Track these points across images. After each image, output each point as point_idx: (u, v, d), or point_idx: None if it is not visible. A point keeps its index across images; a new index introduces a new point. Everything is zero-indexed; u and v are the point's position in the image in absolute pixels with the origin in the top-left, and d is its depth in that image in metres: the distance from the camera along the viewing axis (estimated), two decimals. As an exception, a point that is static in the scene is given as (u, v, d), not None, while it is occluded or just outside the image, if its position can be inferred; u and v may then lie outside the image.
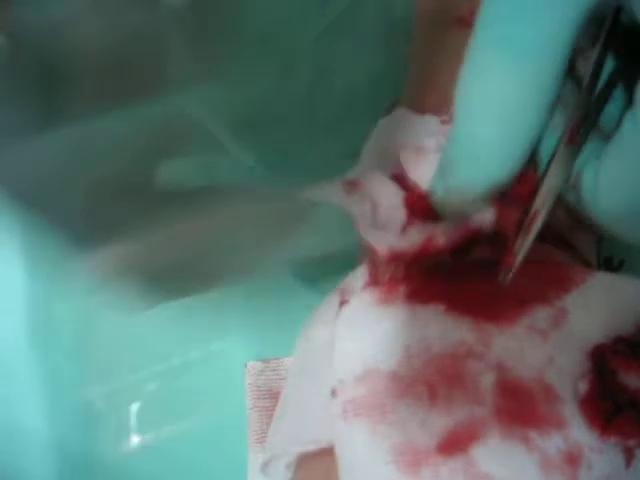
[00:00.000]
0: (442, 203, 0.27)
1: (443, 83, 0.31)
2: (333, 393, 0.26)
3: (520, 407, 0.24)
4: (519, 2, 0.22)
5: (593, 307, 0.26)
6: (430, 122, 0.29)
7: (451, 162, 0.25)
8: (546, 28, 0.22)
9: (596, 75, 0.24)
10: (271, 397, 0.33)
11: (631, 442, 0.24)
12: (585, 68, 0.25)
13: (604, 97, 0.25)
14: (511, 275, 0.25)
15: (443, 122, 0.30)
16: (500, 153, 0.23)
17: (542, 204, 0.25)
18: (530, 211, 0.25)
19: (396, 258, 0.28)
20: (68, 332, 0.39)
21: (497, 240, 0.27)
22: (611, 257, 0.31)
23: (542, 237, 0.26)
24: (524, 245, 0.25)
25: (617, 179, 0.23)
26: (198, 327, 0.39)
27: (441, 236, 0.27)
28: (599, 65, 0.24)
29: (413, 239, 0.27)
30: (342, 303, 0.28)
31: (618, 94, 0.25)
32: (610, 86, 0.25)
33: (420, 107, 0.30)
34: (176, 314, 0.39)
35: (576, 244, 0.29)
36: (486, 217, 0.26)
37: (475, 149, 0.23)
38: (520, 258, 0.25)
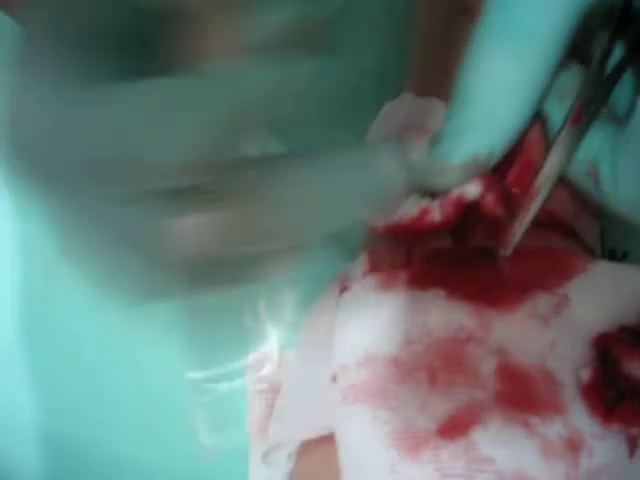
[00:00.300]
0: (427, 175, 0.26)
1: (446, 71, 0.31)
2: (334, 378, 0.26)
3: (521, 392, 0.24)
4: None
5: (595, 295, 0.26)
6: (434, 105, 0.30)
7: (443, 135, 0.25)
8: (548, 16, 0.22)
9: (605, 58, 0.24)
10: (272, 390, 0.33)
11: (634, 430, 0.24)
12: (595, 51, 0.25)
13: (613, 80, 0.25)
14: (509, 252, 0.25)
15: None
16: (491, 130, 0.23)
17: (544, 182, 0.25)
18: (532, 189, 0.25)
19: (392, 231, 0.28)
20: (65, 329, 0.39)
21: (496, 226, 0.27)
22: (615, 249, 0.31)
23: (545, 224, 0.26)
24: (523, 222, 0.25)
25: (636, 166, 0.23)
26: (199, 325, 0.39)
27: (437, 209, 0.27)
28: (609, 49, 0.24)
29: (408, 210, 0.27)
30: (342, 290, 0.29)
31: (628, 78, 0.25)
32: (620, 69, 0.25)
33: (424, 95, 0.30)
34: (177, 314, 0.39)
35: (580, 232, 0.29)
36: (472, 189, 0.26)
37: (467, 124, 0.24)
38: (518, 236, 0.25)
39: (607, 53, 0.24)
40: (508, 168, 0.27)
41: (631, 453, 0.24)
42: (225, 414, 0.36)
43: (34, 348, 0.40)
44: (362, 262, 0.29)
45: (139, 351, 0.39)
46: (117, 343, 0.39)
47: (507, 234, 0.25)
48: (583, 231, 0.29)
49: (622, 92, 0.25)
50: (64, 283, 0.38)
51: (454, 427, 0.24)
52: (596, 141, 0.25)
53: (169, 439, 0.38)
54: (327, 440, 0.26)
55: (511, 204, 0.26)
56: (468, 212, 0.27)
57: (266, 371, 0.33)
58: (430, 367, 0.25)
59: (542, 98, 0.23)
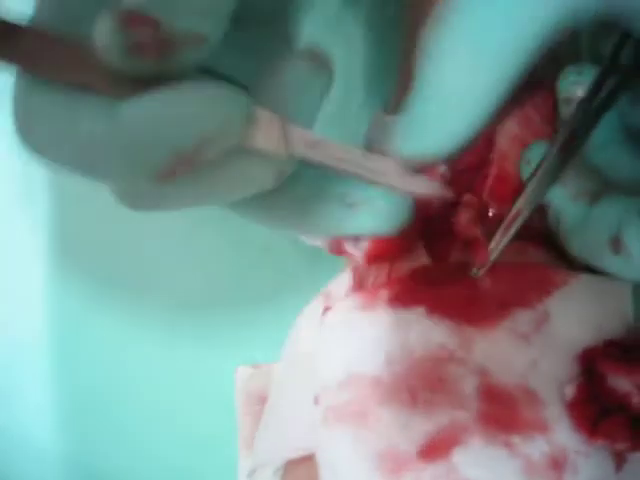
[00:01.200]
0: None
1: None
2: (316, 400, 0.26)
3: (503, 412, 0.24)
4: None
5: (576, 310, 0.26)
6: None
7: (398, 122, 0.24)
8: (515, 39, 0.21)
9: (596, 89, 0.24)
10: (261, 402, 0.33)
11: (620, 446, 0.24)
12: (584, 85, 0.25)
13: (601, 111, 0.24)
14: (483, 272, 0.25)
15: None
16: (447, 130, 0.22)
17: (526, 205, 0.24)
18: (512, 210, 0.25)
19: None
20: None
21: (472, 243, 0.27)
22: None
23: (525, 236, 0.26)
24: (501, 242, 0.25)
25: None
26: (189, 331, 0.39)
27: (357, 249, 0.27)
28: (599, 81, 0.24)
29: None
30: (326, 309, 0.28)
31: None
32: (608, 101, 0.24)
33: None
34: (167, 316, 0.39)
35: (561, 244, 0.29)
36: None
37: (427, 119, 0.23)
38: (495, 255, 0.25)
39: (598, 85, 0.24)
40: (482, 184, 0.27)
41: (618, 468, 0.24)
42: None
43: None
44: (346, 280, 0.29)
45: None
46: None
47: (483, 253, 0.25)
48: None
49: (623, 157, 0.25)
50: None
51: (435, 449, 0.24)
52: (615, 213, 0.24)
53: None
54: (309, 460, 0.26)
55: (486, 223, 0.26)
56: (441, 231, 0.27)
57: (255, 385, 0.33)
58: (411, 387, 0.25)
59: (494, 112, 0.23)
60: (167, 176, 0.21)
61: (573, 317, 0.26)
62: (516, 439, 0.24)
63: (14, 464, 0.39)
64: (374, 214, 0.25)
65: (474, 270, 0.25)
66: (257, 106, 0.22)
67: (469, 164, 0.28)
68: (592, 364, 0.25)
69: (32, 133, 0.22)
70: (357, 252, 0.28)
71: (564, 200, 0.25)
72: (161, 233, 0.39)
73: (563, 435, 0.24)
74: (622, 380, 0.24)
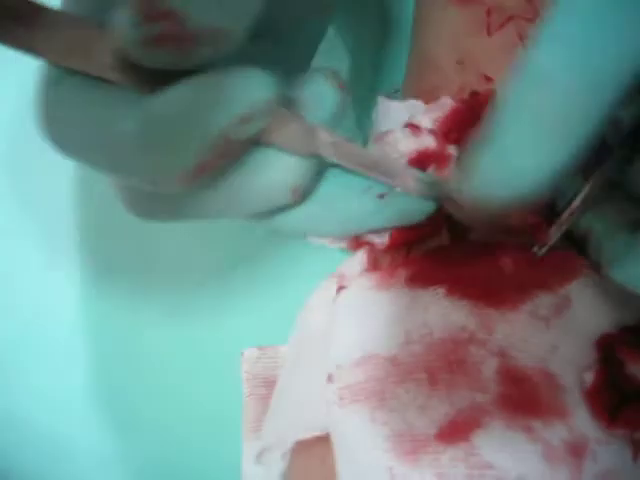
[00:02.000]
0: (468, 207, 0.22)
1: (442, 64, 0.30)
2: (329, 378, 0.25)
3: (523, 395, 0.24)
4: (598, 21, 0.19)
5: (597, 297, 0.26)
6: (410, 106, 0.29)
7: (480, 161, 0.20)
8: (618, 50, 0.19)
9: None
10: (267, 385, 0.32)
11: (638, 434, 0.23)
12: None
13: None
14: (543, 253, 0.24)
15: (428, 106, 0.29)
16: (538, 165, 0.19)
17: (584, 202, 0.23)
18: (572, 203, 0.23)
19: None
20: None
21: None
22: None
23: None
24: (562, 228, 0.24)
25: None
26: (195, 314, 0.38)
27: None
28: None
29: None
30: (340, 289, 0.28)
31: None
32: None
33: (420, 89, 0.30)
34: (174, 300, 0.39)
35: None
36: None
37: (521, 146, 0.19)
38: (555, 238, 0.24)
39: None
40: None
41: (635, 457, 0.24)
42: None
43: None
44: (360, 261, 0.28)
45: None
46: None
47: (544, 235, 0.24)
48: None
49: None
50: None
51: (455, 431, 0.23)
52: None
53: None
54: (322, 440, 0.26)
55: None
56: None
57: (262, 367, 0.32)
58: (430, 368, 0.24)
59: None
60: (202, 170, 0.21)
61: (593, 304, 0.26)
62: (536, 423, 0.23)
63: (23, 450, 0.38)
64: (405, 201, 0.24)
65: (536, 248, 0.25)
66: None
67: None
68: (610, 351, 0.25)
69: (60, 131, 0.22)
70: (379, 240, 0.27)
71: (606, 228, 0.24)
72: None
73: (582, 422, 0.24)
74: None
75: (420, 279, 0.26)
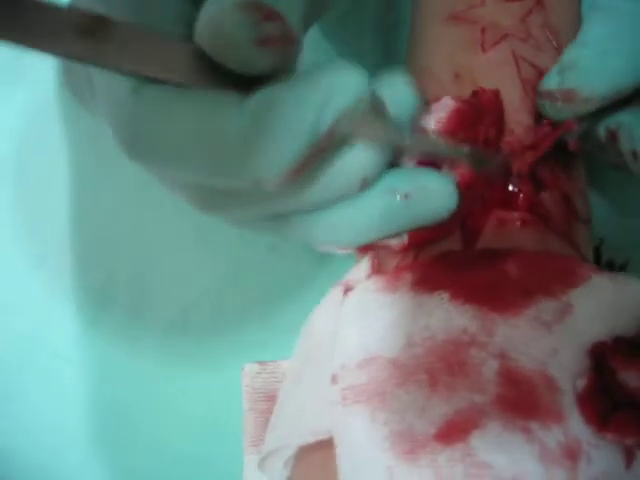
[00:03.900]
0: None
1: (439, 76, 0.31)
2: (333, 379, 0.26)
3: (522, 397, 0.24)
4: None
5: (597, 305, 0.26)
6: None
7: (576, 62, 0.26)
8: None
9: None
10: (267, 400, 0.33)
11: (629, 441, 0.24)
12: None
13: None
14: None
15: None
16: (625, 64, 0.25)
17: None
18: None
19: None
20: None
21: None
22: (612, 260, 0.31)
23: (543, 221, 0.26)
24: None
25: None
26: (196, 328, 0.39)
27: None
28: None
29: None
30: (346, 291, 0.28)
31: None
32: None
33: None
34: (175, 316, 0.39)
35: (574, 237, 0.29)
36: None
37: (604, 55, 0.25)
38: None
39: None
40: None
41: (627, 464, 0.24)
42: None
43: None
44: (364, 266, 0.29)
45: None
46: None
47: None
48: (576, 238, 0.29)
49: None
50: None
51: (453, 431, 0.24)
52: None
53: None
54: (325, 445, 0.26)
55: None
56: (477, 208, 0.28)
57: (262, 382, 0.33)
58: (431, 370, 0.25)
59: None
60: (306, 166, 0.21)
61: (593, 312, 0.26)
62: (534, 425, 0.24)
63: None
64: (429, 199, 0.25)
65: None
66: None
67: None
68: (602, 358, 0.25)
69: (147, 144, 0.21)
70: (393, 242, 0.28)
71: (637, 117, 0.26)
72: (168, 232, 0.39)
73: (577, 426, 0.24)
74: (632, 376, 0.24)
75: (425, 283, 0.27)
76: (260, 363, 0.34)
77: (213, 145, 0.21)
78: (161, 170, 0.22)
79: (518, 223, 0.28)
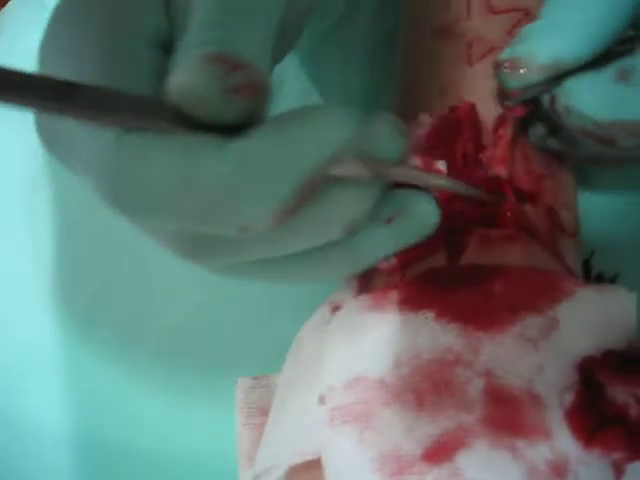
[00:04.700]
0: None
1: (425, 92, 0.31)
2: (321, 399, 0.26)
3: (508, 415, 0.24)
4: None
5: (584, 319, 0.26)
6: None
7: (530, 32, 0.28)
8: None
9: None
10: (261, 414, 0.32)
11: (616, 456, 0.24)
12: None
13: None
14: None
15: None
16: (577, 35, 0.26)
17: None
18: None
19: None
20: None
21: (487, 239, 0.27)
22: (602, 273, 0.31)
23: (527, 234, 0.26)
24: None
25: None
26: (188, 343, 0.39)
27: None
28: None
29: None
30: (334, 309, 0.28)
31: None
32: None
33: (405, 115, 0.31)
34: (168, 330, 0.39)
35: (559, 252, 0.29)
36: None
37: (555, 25, 0.26)
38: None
39: None
40: None
41: (617, 479, 0.24)
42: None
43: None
44: (352, 284, 0.29)
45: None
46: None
47: None
48: (562, 251, 0.29)
49: None
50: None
51: (440, 451, 0.24)
52: None
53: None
54: (314, 466, 0.26)
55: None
56: (459, 224, 0.28)
57: (256, 396, 0.33)
58: (417, 390, 0.25)
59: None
60: (293, 211, 0.21)
61: (580, 326, 0.26)
62: (520, 443, 0.24)
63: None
64: (412, 221, 0.25)
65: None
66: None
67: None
68: (591, 373, 0.25)
69: (131, 193, 0.21)
70: (386, 262, 0.28)
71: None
72: (161, 251, 0.39)
73: (564, 442, 0.24)
74: (620, 391, 0.24)
75: (411, 302, 0.27)
76: (254, 377, 0.34)
77: (196, 192, 0.20)
78: (145, 220, 0.22)
79: (501, 240, 0.28)
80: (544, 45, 0.27)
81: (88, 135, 0.21)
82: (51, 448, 0.38)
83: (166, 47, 0.22)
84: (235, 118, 0.20)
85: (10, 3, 0.45)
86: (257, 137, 0.20)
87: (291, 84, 0.39)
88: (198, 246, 0.23)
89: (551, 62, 0.27)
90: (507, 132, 0.29)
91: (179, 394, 0.38)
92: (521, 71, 0.27)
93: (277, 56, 0.25)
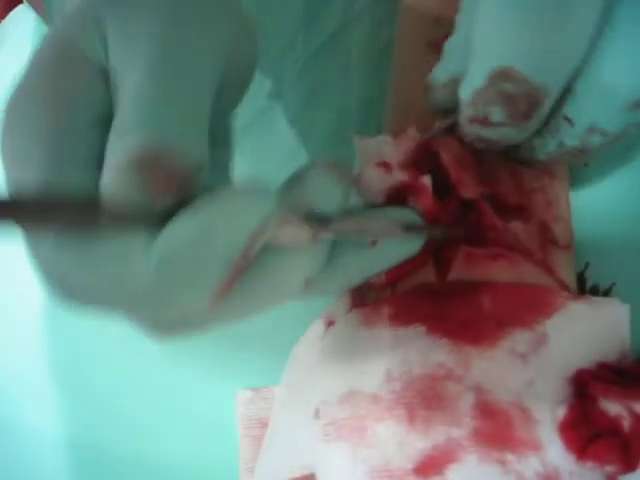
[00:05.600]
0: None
1: (419, 106, 0.31)
2: (316, 414, 0.27)
3: (498, 429, 0.25)
4: None
5: (575, 332, 0.26)
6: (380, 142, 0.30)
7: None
8: None
9: None
10: (261, 426, 0.33)
11: (609, 468, 0.24)
12: None
13: None
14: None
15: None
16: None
17: None
18: None
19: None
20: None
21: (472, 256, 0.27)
22: (597, 286, 0.31)
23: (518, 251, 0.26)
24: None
25: None
26: (189, 356, 0.39)
27: None
28: None
29: None
30: (329, 324, 0.29)
31: None
32: None
33: (400, 130, 0.31)
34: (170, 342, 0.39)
35: (552, 266, 0.29)
36: None
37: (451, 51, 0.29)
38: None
39: None
40: None
41: None
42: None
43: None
44: (346, 299, 0.29)
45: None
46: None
47: None
48: (555, 265, 0.30)
49: None
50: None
51: (430, 465, 0.24)
52: None
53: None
54: (312, 479, 0.27)
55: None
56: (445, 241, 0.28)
57: (256, 408, 0.33)
58: (409, 405, 0.25)
59: None
60: (227, 289, 0.21)
61: (570, 340, 0.26)
62: (510, 456, 0.24)
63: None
64: (398, 240, 0.25)
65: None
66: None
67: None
68: (584, 386, 0.25)
69: (71, 287, 0.22)
70: (376, 279, 0.28)
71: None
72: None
73: (556, 455, 0.24)
74: (613, 403, 0.24)
75: (402, 317, 0.27)
76: (253, 389, 0.34)
77: (131, 291, 0.21)
78: (95, 311, 0.23)
79: (485, 258, 0.28)
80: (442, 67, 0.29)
81: (33, 243, 0.22)
82: (49, 453, 0.38)
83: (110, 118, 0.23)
84: (163, 208, 0.21)
85: (6, 19, 0.46)
86: (179, 228, 0.21)
87: (289, 95, 0.40)
88: (159, 327, 0.23)
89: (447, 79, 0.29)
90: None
91: (178, 402, 0.38)
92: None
93: (227, 107, 0.26)
